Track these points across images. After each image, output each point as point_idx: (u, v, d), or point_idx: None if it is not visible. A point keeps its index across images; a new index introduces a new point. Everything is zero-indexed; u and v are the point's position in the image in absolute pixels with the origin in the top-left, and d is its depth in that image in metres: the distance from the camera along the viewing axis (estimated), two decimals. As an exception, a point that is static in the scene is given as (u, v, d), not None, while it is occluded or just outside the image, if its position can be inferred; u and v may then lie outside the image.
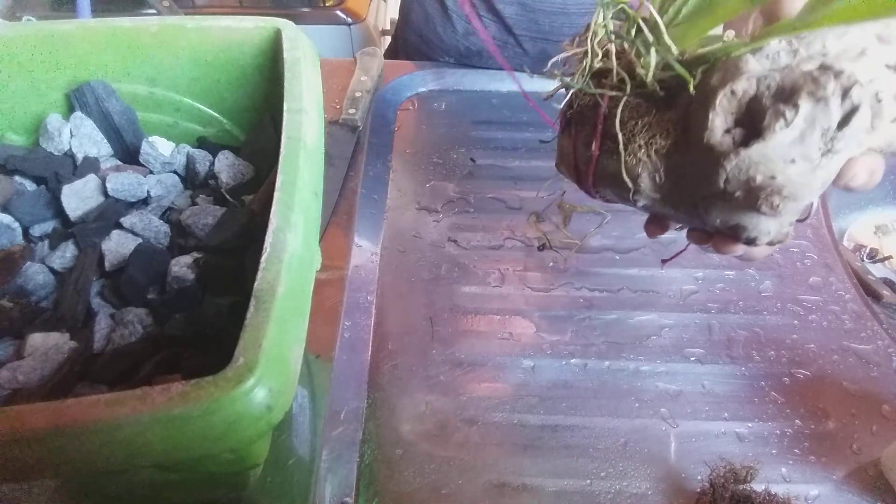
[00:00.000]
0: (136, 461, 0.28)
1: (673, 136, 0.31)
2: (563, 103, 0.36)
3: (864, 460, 0.47)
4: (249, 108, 0.51)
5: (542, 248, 0.62)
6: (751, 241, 0.30)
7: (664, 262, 0.48)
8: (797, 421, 0.50)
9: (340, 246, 0.59)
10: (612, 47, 0.32)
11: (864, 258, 0.71)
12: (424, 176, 0.69)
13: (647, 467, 0.47)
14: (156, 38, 0.47)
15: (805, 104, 0.26)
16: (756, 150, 0.27)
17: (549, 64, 0.35)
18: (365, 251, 0.60)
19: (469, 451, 0.48)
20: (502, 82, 0.80)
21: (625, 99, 0.32)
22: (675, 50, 0.29)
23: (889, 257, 0.72)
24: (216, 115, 0.52)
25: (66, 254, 0.43)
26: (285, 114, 0.39)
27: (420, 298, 0.58)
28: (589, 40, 0.32)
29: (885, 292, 0.63)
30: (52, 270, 0.43)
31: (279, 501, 0.43)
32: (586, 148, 0.34)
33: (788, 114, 0.27)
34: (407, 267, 0.60)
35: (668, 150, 0.31)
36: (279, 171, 0.36)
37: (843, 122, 0.27)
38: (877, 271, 0.70)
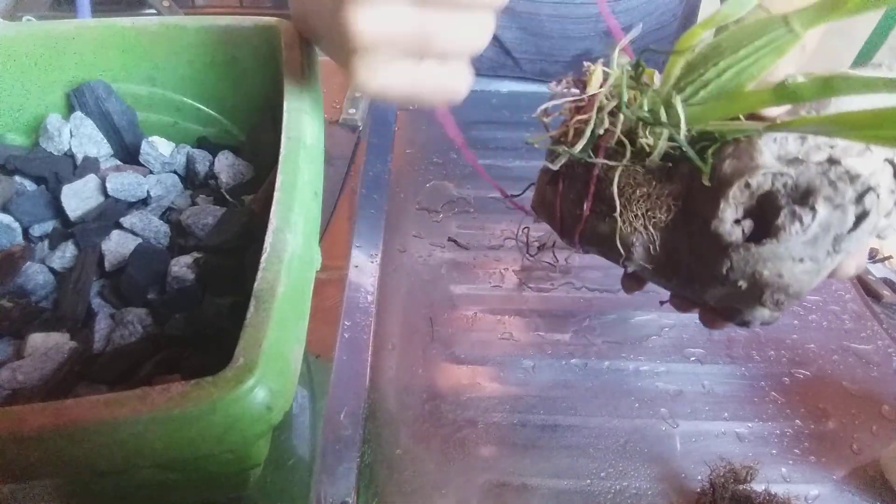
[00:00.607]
0: (136, 461, 0.28)
1: (673, 211, 0.30)
2: (551, 158, 0.34)
3: (864, 460, 0.47)
4: (249, 108, 0.51)
5: (542, 248, 0.62)
6: (743, 325, 0.31)
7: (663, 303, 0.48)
8: (797, 421, 0.50)
9: (340, 246, 0.59)
10: (620, 117, 0.31)
11: (864, 258, 0.71)
12: (424, 176, 0.69)
13: (647, 467, 0.47)
14: (156, 38, 0.47)
15: (822, 209, 0.26)
16: (767, 248, 0.27)
17: (539, 110, 0.33)
18: (365, 251, 0.60)
19: (469, 451, 0.48)
20: (502, 82, 0.80)
21: (623, 164, 0.31)
22: (684, 128, 0.29)
23: (889, 257, 0.72)
24: (216, 115, 0.52)
25: (66, 254, 0.43)
26: (285, 114, 0.39)
27: (420, 298, 0.58)
28: (594, 108, 0.31)
29: (885, 292, 0.63)
30: (52, 270, 0.43)
31: (279, 501, 0.43)
32: (575, 206, 0.33)
33: (805, 218, 0.27)
34: (407, 267, 0.60)
35: (667, 224, 0.31)
36: (279, 171, 0.36)
37: (853, 227, 0.27)
38: (877, 271, 0.70)
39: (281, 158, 0.36)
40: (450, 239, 0.62)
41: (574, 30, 0.72)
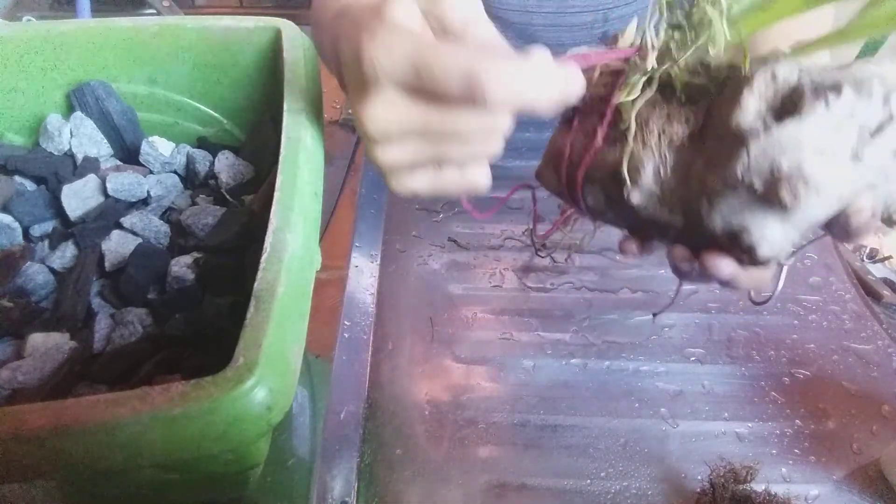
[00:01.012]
0: (136, 461, 0.28)
1: (692, 125, 0.29)
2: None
3: (864, 460, 0.47)
4: (249, 108, 0.51)
5: (542, 248, 0.62)
6: (750, 250, 0.28)
7: (655, 315, 0.48)
8: (797, 421, 0.50)
9: (340, 246, 0.59)
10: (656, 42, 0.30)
11: (864, 258, 0.71)
12: (424, 176, 0.69)
13: (647, 467, 0.47)
14: (156, 38, 0.47)
15: (849, 92, 0.25)
16: (789, 132, 0.26)
17: (568, 53, 0.32)
18: (365, 251, 0.60)
19: (469, 451, 0.48)
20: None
21: (645, 93, 0.30)
22: (725, 38, 0.28)
23: (889, 257, 0.72)
24: (216, 115, 0.52)
25: (66, 254, 0.43)
26: (285, 114, 0.39)
27: (420, 298, 0.58)
28: (648, 27, 0.30)
29: (885, 292, 0.63)
30: (52, 270, 0.43)
31: (279, 501, 0.43)
32: (588, 138, 0.32)
33: (831, 96, 0.25)
34: (407, 267, 0.60)
35: (683, 141, 0.29)
36: (279, 171, 0.36)
37: (878, 129, 0.26)
38: (877, 271, 0.70)
39: (281, 158, 0.36)
40: (450, 239, 0.62)
41: (568, 38, 0.72)
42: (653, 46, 0.30)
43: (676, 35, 0.30)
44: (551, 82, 0.27)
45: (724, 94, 0.28)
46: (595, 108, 0.33)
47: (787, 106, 0.27)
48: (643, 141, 0.30)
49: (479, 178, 0.32)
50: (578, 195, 0.34)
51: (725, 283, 0.32)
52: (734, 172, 0.27)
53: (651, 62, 0.30)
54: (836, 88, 0.26)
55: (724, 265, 0.30)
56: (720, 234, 0.29)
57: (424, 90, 0.26)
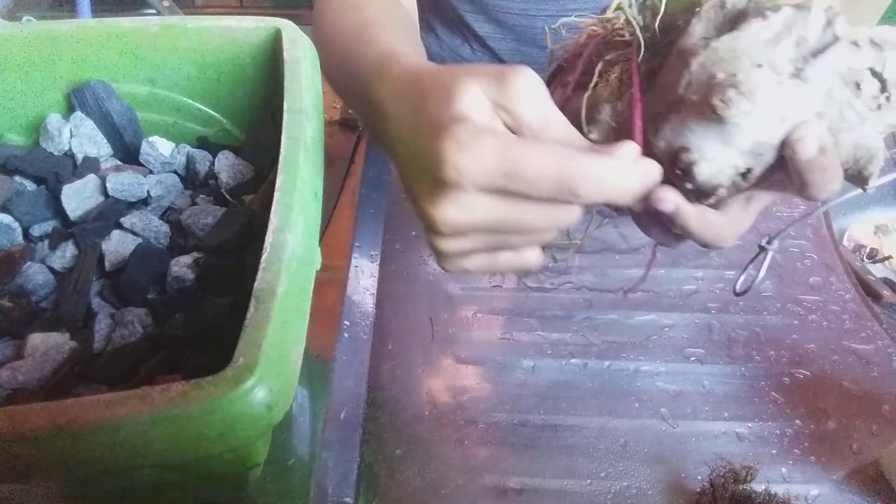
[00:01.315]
0: (136, 461, 0.28)
1: (650, 67, 0.30)
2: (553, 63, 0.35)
3: (864, 460, 0.47)
4: (249, 108, 0.51)
5: (542, 247, 0.62)
6: (689, 169, 0.28)
7: (626, 292, 0.48)
8: (797, 421, 0.50)
9: (340, 246, 0.59)
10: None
11: (864, 258, 0.71)
12: (424, 176, 0.69)
13: (647, 467, 0.47)
14: (156, 38, 0.47)
15: (787, 9, 0.26)
16: (725, 42, 0.26)
17: (559, 22, 0.34)
18: (365, 251, 0.60)
19: (469, 451, 0.48)
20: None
21: (612, 46, 0.32)
22: None
23: (889, 257, 0.72)
24: (216, 115, 0.52)
25: (66, 254, 0.43)
26: (285, 114, 0.39)
27: (420, 298, 0.58)
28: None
29: (885, 292, 0.63)
30: (52, 270, 0.43)
31: (279, 501, 0.43)
32: (563, 89, 0.33)
33: (769, 12, 0.26)
34: (407, 267, 0.60)
35: (641, 80, 0.30)
36: (279, 171, 0.36)
37: (820, 48, 0.26)
38: (877, 271, 0.70)
39: (281, 158, 0.36)
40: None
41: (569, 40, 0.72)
42: (617, 7, 0.31)
43: None
44: (634, 178, 0.27)
45: (679, 34, 0.29)
46: (572, 66, 0.34)
47: (732, 26, 0.27)
48: (606, 80, 0.31)
49: (533, 259, 0.32)
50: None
51: (675, 226, 0.30)
52: (677, 91, 0.27)
53: (614, 22, 0.31)
54: (776, 7, 0.26)
55: (666, 195, 0.28)
56: (665, 161, 0.29)
57: (511, 192, 0.26)
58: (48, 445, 0.26)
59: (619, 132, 0.31)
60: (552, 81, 0.36)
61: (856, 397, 0.51)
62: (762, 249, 0.33)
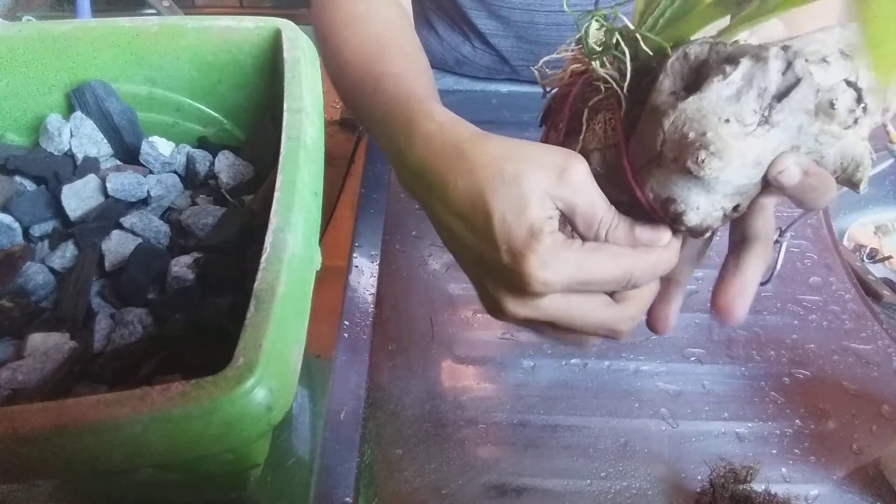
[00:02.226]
0: (136, 461, 0.28)
1: (630, 116, 0.32)
2: (547, 96, 0.37)
3: (864, 460, 0.47)
4: (249, 108, 0.51)
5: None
6: (678, 218, 0.29)
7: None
8: (797, 421, 0.50)
9: (340, 246, 0.59)
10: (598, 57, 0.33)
11: (864, 258, 0.71)
12: (424, 176, 0.69)
13: (647, 467, 0.47)
14: (156, 38, 0.47)
15: (745, 62, 0.27)
16: (692, 103, 0.27)
17: (540, 62, 0.36)
18: (365, 251, 0.60)
19: (469, 451, 0.48)
20: (501, 83, 0.80)
21: (601, 93, 0.33)
22: (628, 55, 0.31)
23: (889, 257, 0.72)
24: (216, 115, 0.52)
25: (66, 254, 0.43)
26: (285, 114, 0.39)
27: (420, 298, 0.58)
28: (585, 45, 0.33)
29: (885, 292, 0.63)
30: (52, 270, 0.43)
31: (279, 501, 0.43)
32: (555, 133, 0.35)
33: (728, 69, 0.27)
34: (407, 267, 0.60)
35: (623, 127, 0.32)
36: (279, 171, 0.36)
37: (784, 93, 0.27)
38: (877, 271, 0.70)
39: (281, 158, 0.36)
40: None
41: (571, 36, 0.72)
42: (592, 54, 0.33)
43: (608, 46, 0.32)
44: (672, 260, 0.32)
45: (652, 82, 0.31)
46: (561, 107, 0.36)
47: (698, 80, 0.29)
48: (593, 130, 0.33)
49: (588, 343, 0.35)
50: None
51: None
52: (655, 148, 0.29)
53: (596, 69, 0.33)
54: (733, 61, 0.27)
55: (661, 237, 0.32)
56: (657, 209, 0.31)
57: (582, 291, 0.31)
58: (48, 445, 0.26)
59: (609, 178, 0.32)
60: (544, 122, 0.38)
61: (856, 397, 0.51)
62: (776, 241, 0.34)
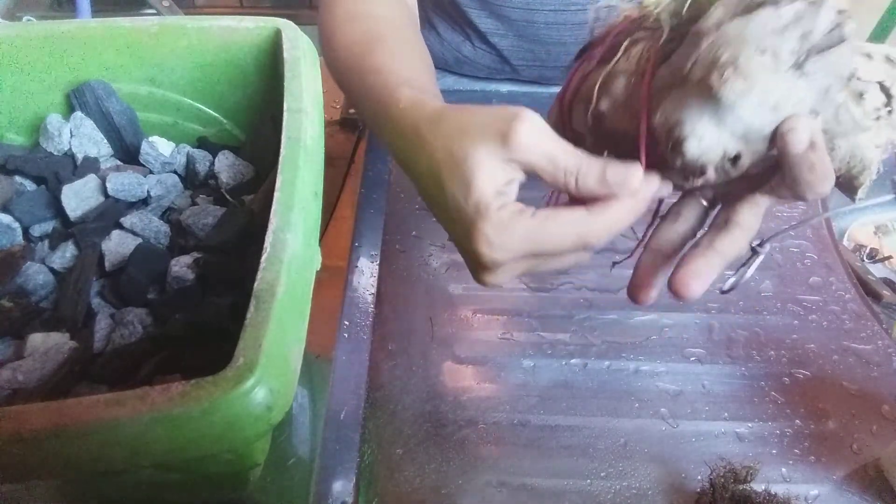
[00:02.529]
0: (136, 461, 0.28)
1: (669, 47, 0.31)
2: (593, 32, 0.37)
3: (864, 460, 0.47)
4: (249, 108, 0.51)
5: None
6: (679, 145, 0.29)
7: (615, 264, 0.49)
8: (797, 421, 0.50)
9: (340, 246, 0.59)
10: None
11: (864, 258, 0.71)
12: (424, 176, 0.69)
13: (647, 467, 0.47)
14: (156, 38, 0.47)
15: (800, 2, 0.27)
16: (735, 26, 0.27)
17: (599, 4, 0.35)
18: (365, 251, 0.60)
19: (469, 451, 0.48)
20: (501, 83, 0.80)
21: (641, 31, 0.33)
22: None
23: (889, 257, 0.72)
24: (216, 115, 0.52)
25: (66, 254, 0.43)
26: (285, 114, 0.39)
27: (420, 298, 0.58)
28: None
29: (885, 292, 0.63)
30: (52, 270, 0.43)
31: (279, 501, 0.43)
32: (588, 62, 0.35)
33: (783, 2, 0.27)
34: (407, 267, 0.60)
35: (657, 56, 0.31)
36: (279, 171, 0.36)
37: (825, 46, 0.27)
38: (877, 271, 0.70)
39: (281, 158, 0.36)
40: (450, 239, 0.62)
41: (570, 36, 0.72)
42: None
43: None
44: (637, 208, 0.31)
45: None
46: (602, 41, 0.35)
47: (748, 11, 0.28)
48: (627, 57, 0.32)
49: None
50: (566, 119, 0.36)
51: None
52: (683, 68, 0.28)
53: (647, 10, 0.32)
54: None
55: (632, 172, 0.31)
56: (661, 133, 0.30)
57: (539, 256, 0.32)
58: (48, 445, 0.26)
59: (626, 104, 0.32)
60: (581, 55, 0.37)
61: (856, 397, 0.51)
62: (754, 251, 0.33)
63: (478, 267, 0.32)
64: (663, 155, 0.30)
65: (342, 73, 0.48)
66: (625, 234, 0.34)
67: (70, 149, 0.48)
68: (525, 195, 0.33)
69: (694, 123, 0.28)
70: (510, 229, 0.30)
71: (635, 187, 0.31)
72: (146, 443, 0.27)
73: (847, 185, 0.29)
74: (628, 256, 0.42)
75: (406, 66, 0.43)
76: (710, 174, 0.29)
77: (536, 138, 0.30)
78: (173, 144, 0.51)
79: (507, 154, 0.30)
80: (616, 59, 0.32)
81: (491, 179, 0.31)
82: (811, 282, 0.60)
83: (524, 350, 0.54)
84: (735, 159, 0.29)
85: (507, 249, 0.31)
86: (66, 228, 0.45)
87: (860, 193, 0.29)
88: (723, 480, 0.44)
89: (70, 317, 0.40)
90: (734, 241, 0.31)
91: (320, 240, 0.43)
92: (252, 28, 0.47)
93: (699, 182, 0.30)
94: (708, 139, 0.28)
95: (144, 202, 0.48)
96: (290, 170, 0.36)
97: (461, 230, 0.32)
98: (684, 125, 0.29)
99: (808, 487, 0.46)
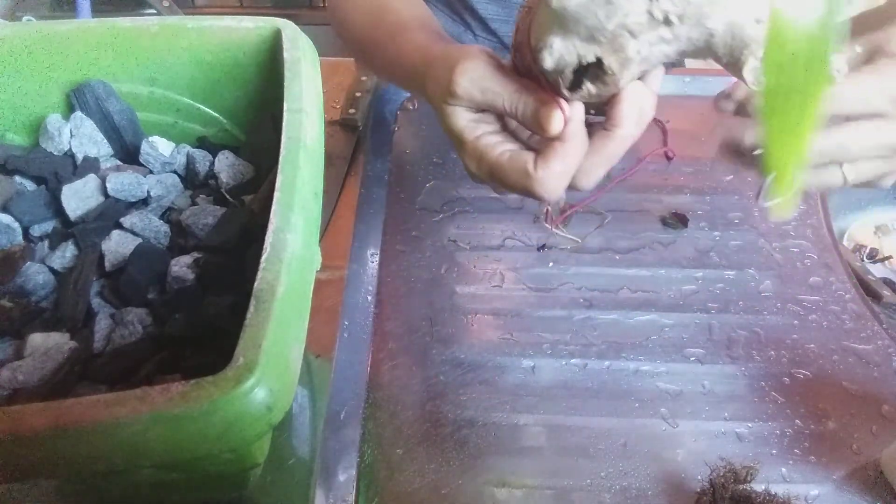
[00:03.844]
0: (136, 461, 0.28)
1: None
2: None
3: (864, 460, 0.47)
4: (249, 108, 0.51)
5: (542, 248, 0.62)
6: (538, 60, 0.30)
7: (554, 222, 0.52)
8: (797, 421, 0.50)
9: (340, 246, 0.59)
10: None
11: (864, 258, 0.71)
12: (424, 176, 0.69)
13: (647, 467, 0.47)
14: (156, 38, 0.47)
15: None
16: None
17: None
18: (365, 251, 0.60)
19: (469, 451, 0.48)
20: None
21: None
22: None
23: (889, 257, 0.72)
24: (216, 115, 0.52)
25: (66, 254, 0.43)
26: (285, 114, 0.39)
27: (420, 298, 0.58)
28: None
29: (885, 292, 0.63)
30: (52, 270, 0.43)
31: (279, 501, 0.43)
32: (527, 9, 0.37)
33: None
34: (407, 267, 0.60)
35: None
36: (279, 171, 0.36)
37: None
38: (877, 271, 0.70)
39: (281, 158, 0.36)
40: (450, 239, 0.62)
41: None
42: None
43: None
44: (573, 153, 0.34)
45: None
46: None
47: None
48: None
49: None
50: (516, 61, 0.37)
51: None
52: None
53: None
54: None
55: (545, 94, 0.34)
56: (535, 56, 0.32)
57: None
58: (48, 445, 0.26)
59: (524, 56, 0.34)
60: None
61: (856, 397, 0.51)
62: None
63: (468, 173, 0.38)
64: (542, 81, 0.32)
65: (355, 39, 0.54)
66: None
67: (70, 149, 0.48)
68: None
69: (546, 38, 0.30)
70: (479, 162, 0.36)
71: (552, 121, 0.33)
72: (146, 443, 0.27)
73: (735, 70, 0.29)
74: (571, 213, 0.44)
75: (418, 20, 0.49)
76: (590, 88, 0.31)
77: (476, 74, 0.35)
78: (173, 144, 0.51)
79: (454, 102, 0.36)
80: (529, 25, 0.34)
81: (457, 118, 0.37)
82: (811, 282, 0.60)
83: (524, 350, 0.54)
84: (599, 66, 0.30)
85: (478, 175, 0.37)
86: (66, 228, 0.45)
87: (749, 76, 0.29)
88: (723, 480, 0.44)
89: (70, 317, 0.40)
90: (612, 140, 0.34)
91: (320, 240, 0.43)
92: (252, 28, 0.47)
93: (582, 95, 0.32)
94: (557, 48, 0.30)
95: (144, 202, 0.48)
96: (290, 170, 0.36)
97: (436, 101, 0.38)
98: (539, 41, 0.31)
99: (808, 487, 0.46)
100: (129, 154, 0.50)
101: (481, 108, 0.36)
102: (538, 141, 0.37)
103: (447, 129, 0.38)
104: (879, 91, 0.33)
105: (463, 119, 0.37)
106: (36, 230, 0.45)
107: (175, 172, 0.50)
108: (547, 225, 0.61)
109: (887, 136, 0.34)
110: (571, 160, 0.34)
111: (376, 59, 0.53)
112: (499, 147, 0.36)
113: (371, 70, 0.58)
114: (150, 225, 0.45)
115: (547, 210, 0.61)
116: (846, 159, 0.35)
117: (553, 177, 0.34)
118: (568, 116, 0.33)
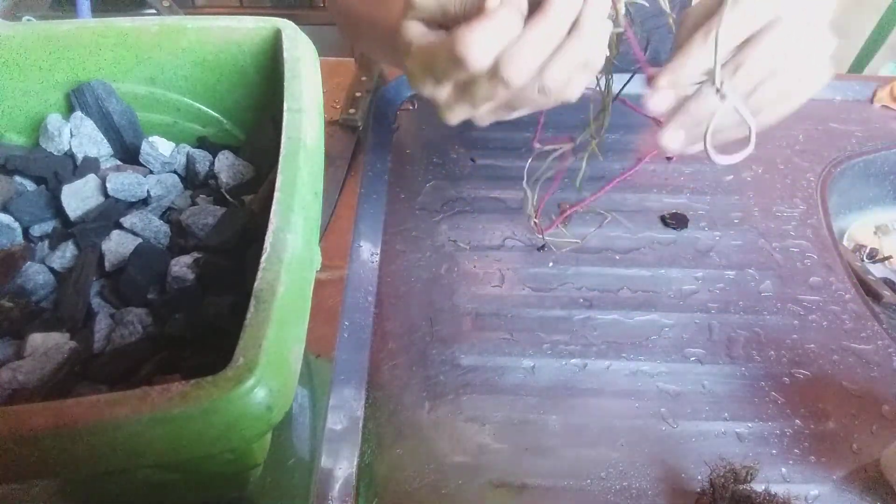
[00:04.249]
0: (136, 461, 0.28)
1: None
2: None
3: (864, 460, 0.47)
4: (249, 108, 0.51)
5: (542, 248, 0.62)
6: None
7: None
8: (797, 421, 0.50)
9: (340, 246, 0.59)
10: None
11: (864, 258, 0.71)
12: (424, 176, 0.69)
13: (647, 467, 0.47)
14: (156, 38, 0.47)
15: None
16: None
17: None
18: (365, 251, 0.60)
19: (469, 451, 0.48)
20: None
21: None
22: None
23: (889, 257, 0.72)
24: (216, 115, 0.52)
25: (66, 254, 0.43)
26: (285, 114, 0.39)
27: (420, 298, 0.58)
28: None
29: (885, 292, 0.63)
30: (52, 270, 0.43)
31: (279, 501, 0.43)
32: None
33: None
34: (407, 267, 0.60)
35: None
36: (279, 171, 0.36)
37: None
38: (877, 271, 0.70)
39: (281, 158, 0.36)
40: (450, 239, 0.62)
41: None
42: None
43: None
44: (509, 20, 0.33)
45: None
46: None
47: None
48: None
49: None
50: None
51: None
52: None
53: None
54: None
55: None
56: None
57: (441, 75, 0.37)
58: (48, 445, 0.26)
59: None
60: None
61: (856, 397, 0.51)
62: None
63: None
64: None
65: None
66: (589, 87, 0.37)
67: (70, 149, 0.48)
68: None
69: None
70: (416, 54, 0.36)
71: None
72: (146, 443, 0.27)
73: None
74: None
75: None
76: None
77: None
78: (173, 144, 0.51)
79: (412, 14, 0.36)
80: None
81: (411, 30, 0.37)
82: (811, 282, 0.60)
83: (524, 350, 0.54)
84: None
85: (415, 74, 0.37)
86: (66, 228, 0.45)
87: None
88: (723, 480, 0.44)
89: (70, 317, 0.40)
90: (545, 16, 0.33)
91: (320, 240, 0.43)
92: (252, 28, 0.47)
93: None
94: None
95: (144, 202, 0.48)
96: (290, 170, 0.36)
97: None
98: None
99: (808, 487, 0.46)
100: (129, 154, 0.50)
101: (437, 22, 0.36)
102: None
103: (401, 44, 0.37)
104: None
105: (417, 30, 0.37)
106: (36, 230, 0.45)
107: (175, 172, 0.50)
108: (539, 236, 0.61)
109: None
110: (498, 24, 0.32)
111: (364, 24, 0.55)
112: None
113: (361, 42, 0.60)
114: (150, 225, 0.45)
115: (536, 223, 0.61)
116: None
117: (475, 32, 0.32)
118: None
